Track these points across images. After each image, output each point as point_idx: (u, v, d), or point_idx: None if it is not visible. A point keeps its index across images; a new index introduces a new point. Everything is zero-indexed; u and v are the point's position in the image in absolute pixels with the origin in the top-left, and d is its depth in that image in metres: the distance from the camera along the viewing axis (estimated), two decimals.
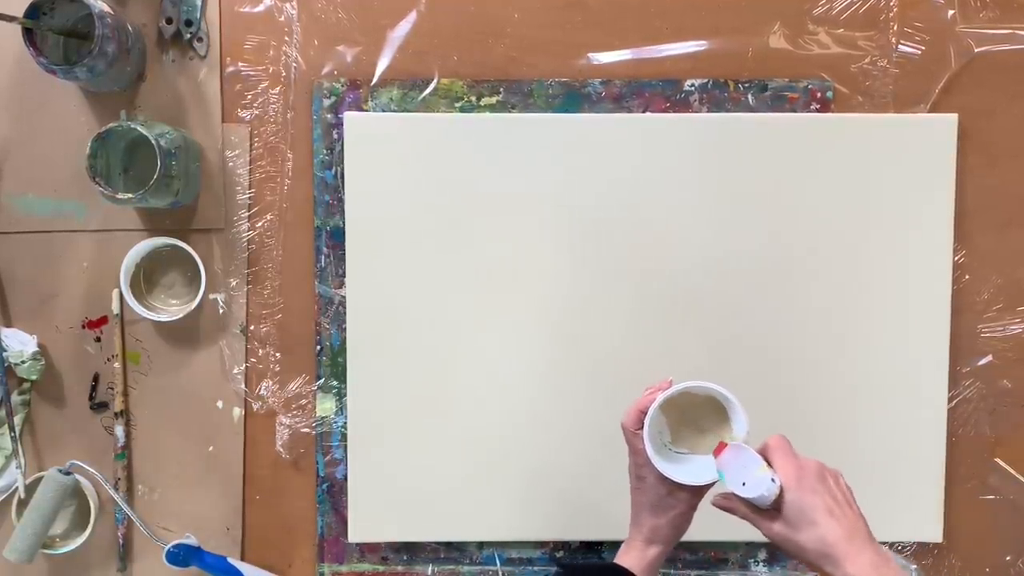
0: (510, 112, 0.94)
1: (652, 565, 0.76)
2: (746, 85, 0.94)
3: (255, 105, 0.95)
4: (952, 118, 0.93)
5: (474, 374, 0.94)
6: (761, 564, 0.96)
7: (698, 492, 0.76)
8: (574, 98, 0.94)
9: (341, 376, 0.95)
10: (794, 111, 0.94)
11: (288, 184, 0.95)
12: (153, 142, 0.85)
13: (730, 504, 0.73)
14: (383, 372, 0.94)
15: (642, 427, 0.73)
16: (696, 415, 0.77)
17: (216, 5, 0.94)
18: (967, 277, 0.95)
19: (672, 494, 0.75)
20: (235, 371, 0.95)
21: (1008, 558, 0.97)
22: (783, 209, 0.93)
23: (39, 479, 0.91)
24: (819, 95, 0.94)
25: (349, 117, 0.93)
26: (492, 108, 0.94)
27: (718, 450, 0.72)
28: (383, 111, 0.94)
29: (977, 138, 0.94)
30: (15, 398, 0.94)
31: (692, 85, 0.94)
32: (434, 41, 0.94)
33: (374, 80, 0.94)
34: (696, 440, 0.77)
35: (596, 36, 0.94)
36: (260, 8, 0.94)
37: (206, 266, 0.93)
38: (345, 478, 0.95)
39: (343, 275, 0.94)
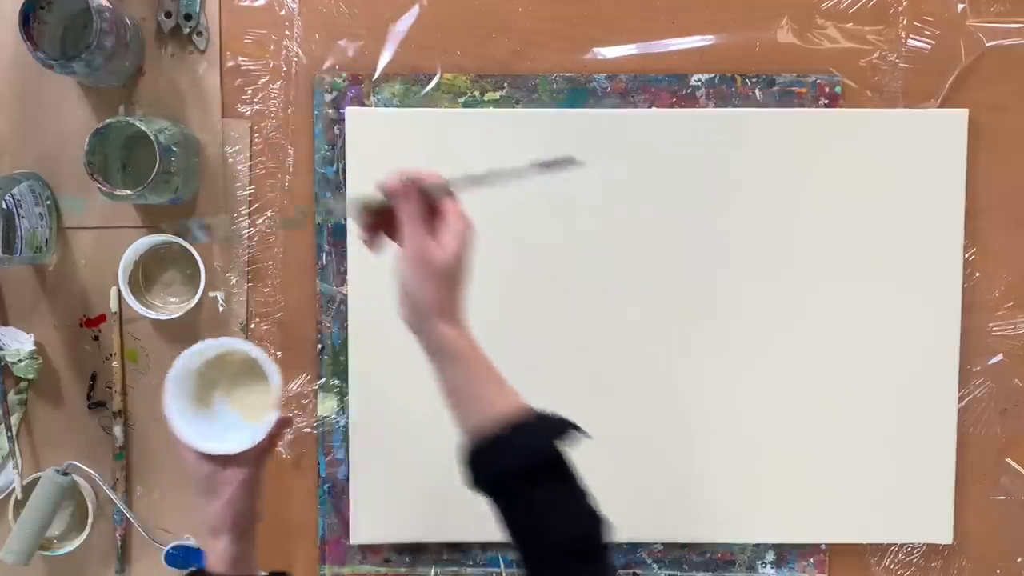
0: (514, 107, 0.93)
1: (231, 558, 0.72)
2: (753, 80, 0.93)
3: (255, 100, 0.93)
4: (962, 113, 0.92)
5: None
6: (769, 566, 0.95)
7: (242, 462, 0.73)
8: (579, 93, 0.93)
9: (343, 375, 0.94)
10: (802, 106, 0.93)
11: (289, 180, 0.94)
12: (152, 138, 0.84)
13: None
14: (385, 371, 0.93)
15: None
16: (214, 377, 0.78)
17: None
18: (978, 275, 0.94)
19: (217, 473, 0.72)
20: None
21: (1020, 560, 0.96)
22: (791, 205, 0.92)
23: (36, 479, 0.91)
24: (827, 90, 0.93)
25: (351, 112, 0.92)
26: (496, 103, 0.93)
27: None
28: (385, 106, 0.93)
29: (988, 133, 0.93)
30: (12, 397, 0.93)
31: (699, 80, 0.93)
32: (437, 35, 0.93)
33: (376, 75, 0.93)
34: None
35: (601, 30, 0.93)
36: (260, 2, 0.93)
37: (206, 263, 0.92)
38: (347, 479, 0.94)
39: (344, 272, 0.93)
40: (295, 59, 0.93)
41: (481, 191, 0.93)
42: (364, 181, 0.92)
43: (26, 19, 0.84)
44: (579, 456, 0.93)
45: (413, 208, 0.67)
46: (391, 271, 0.69)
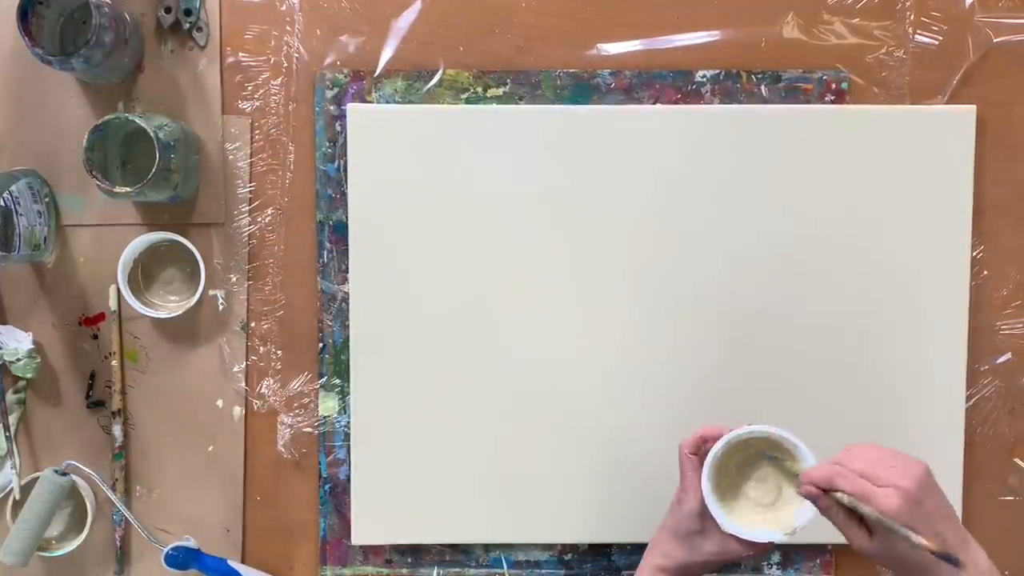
0: (517, 103, 0.92)
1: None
2: (759, 76, 0.92)
3: (256, 96, 0.93)
4: (970, 110, 0.92)
5: (480, 372, 0.92)
6: (775, 567, 0.94)
7: (730, 550, 0.74)
8: (583, 89, 0.92)
9: (344, 374, 0.93)
10: (808, 102, 0.92)
11: (290, 177, 0.93)
12: (151, 135, 0.83)
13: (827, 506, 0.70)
14: (387, 370, 0.92)
15: (696, 452, 0.73)
16: (732, 474, 0.76)
17: None
18: (985, 273, 0.93)
19: (702, 533, 0.74)
20: (235, 369, 0.94)
21: None
22: (796, 202, 0.91)
23: (35, 480, 0.90)
24: (834, 86, 0.92)
25: (352, 109, 0.91)
26: (499, 99, 0.92)
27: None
28: (387, 103, 0.92)
29: (996, 130, 0.92)
30: (10, 397, 0.93)
31: (704, 76, 0.92)
32: (439, 31, 0.93)
33: (378, 71, 0.92)
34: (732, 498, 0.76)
35: (605, 26, 0.92)
36: None
37: (206, 262, 0.91)
38: (348, 479, 0.93)
39: (346, 271, 0.93)
40: (296, 55, 0.92)
41: (480, 191, 0.93)
42: (366, 178, 0.91)
43: (24, 15, 0.83)
44: (582, 456, 0.93)
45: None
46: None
